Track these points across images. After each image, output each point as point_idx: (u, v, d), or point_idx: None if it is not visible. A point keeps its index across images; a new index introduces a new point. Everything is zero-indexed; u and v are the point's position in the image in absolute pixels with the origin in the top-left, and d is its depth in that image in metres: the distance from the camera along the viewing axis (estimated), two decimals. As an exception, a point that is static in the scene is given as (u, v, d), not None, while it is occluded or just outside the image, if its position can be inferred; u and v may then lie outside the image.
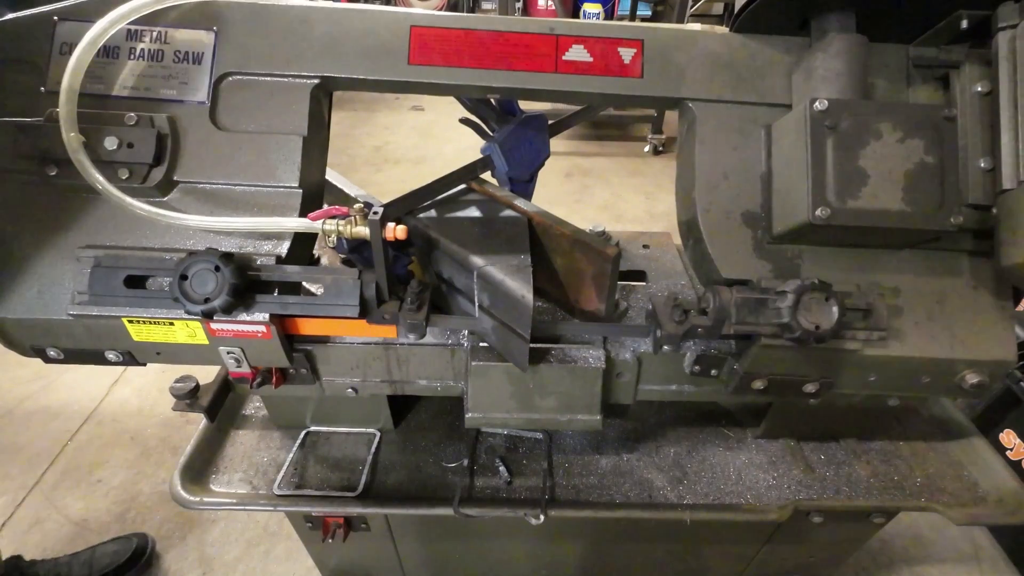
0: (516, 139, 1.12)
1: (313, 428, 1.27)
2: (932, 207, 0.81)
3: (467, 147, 4.20)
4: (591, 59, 0.92)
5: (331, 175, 1.23)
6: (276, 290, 0.86)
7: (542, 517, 1.09)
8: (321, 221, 0.85)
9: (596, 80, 0.92)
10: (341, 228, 0.84)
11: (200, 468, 1.17)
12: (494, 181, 1.15)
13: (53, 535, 2.02)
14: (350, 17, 0.91)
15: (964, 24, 0.81)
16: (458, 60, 0.91)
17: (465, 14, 0.94)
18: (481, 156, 1.12)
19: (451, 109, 1.07)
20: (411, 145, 4.91)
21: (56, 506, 2.11)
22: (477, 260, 0.89)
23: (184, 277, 0.81)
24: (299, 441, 1.24)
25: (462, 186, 1.11)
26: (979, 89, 0.83)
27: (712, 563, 1.50)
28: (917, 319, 0.89)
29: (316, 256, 1.18)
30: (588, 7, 5.41)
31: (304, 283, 0.90)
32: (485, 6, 5.89)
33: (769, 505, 1.14)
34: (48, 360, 0.94)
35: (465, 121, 1.19)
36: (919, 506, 1.15)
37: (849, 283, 0.88)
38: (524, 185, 1.17)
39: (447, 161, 4.22)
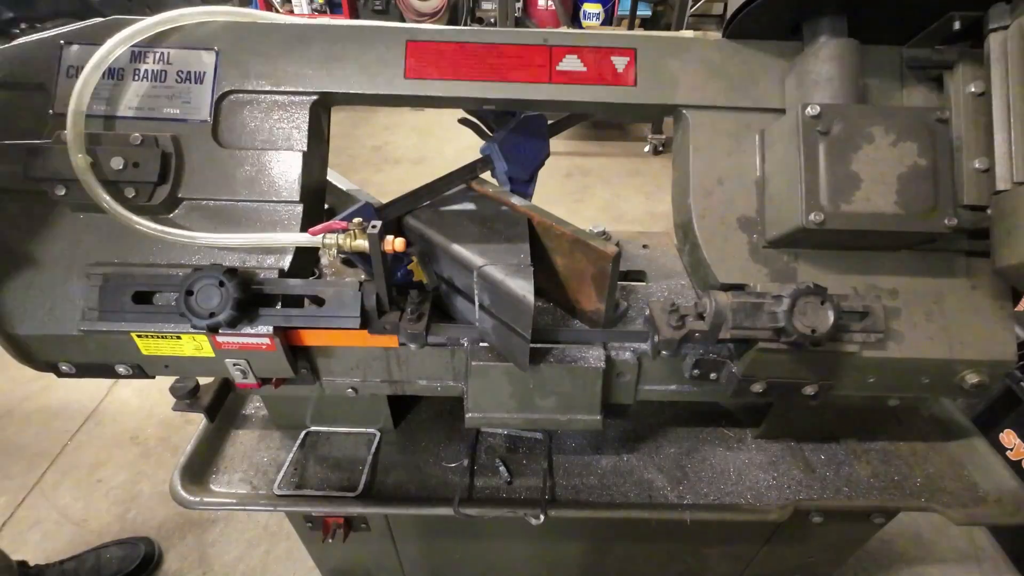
0: (515, 139, 1.12)
1: (313, 428, 1.27)
2: (925, 209, 0.81)
3: (467, 147, 4.18)
4: (585, 69, 0.92)
5: (330, 175, 1.23)
6: (279, 303, 0.87)
7: (542, 517, 1.09)
8: (321, 236, 0.86)
9: (590, 89, 0.93)
10: (341, 242, 0.86)
11: (200, 468, 1.18)
12: (494, 181, 1.15)
13: (53, 535, 2.03)
14: (347, 34, 0.92)
15: (956, 25, 0.81)
16: (453, 73, 0.92)
17: (459, 27, 0.95)
18: (481, 156, 1.13)
19: (450, 109, 1.07)
20: (411, 145, 4.92)
21: (56, 506, 2.12)
22: (477, 260, 0.90)
23: (190, 292, 0.82)
24: (299, 441, 1.24)
25: (461, 186, 1.11)
26: (973, 90, 0.83)
27: (712, 563, 1.51)
28: (915, 320, 0.89)
29: (316, 256, 1.19)
30: (588, 7, 5.39)
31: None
32: (485, 6, 5.87)
33: (769, 505, 1.15)
34: (61, 375, 0.96)
35: (464, 121, 1.19)
36: (919, 506, 1.15)
37: (846, 286, 0.88)
38: (524, 185, 1.17)
39: (447, 161, 4.20)
